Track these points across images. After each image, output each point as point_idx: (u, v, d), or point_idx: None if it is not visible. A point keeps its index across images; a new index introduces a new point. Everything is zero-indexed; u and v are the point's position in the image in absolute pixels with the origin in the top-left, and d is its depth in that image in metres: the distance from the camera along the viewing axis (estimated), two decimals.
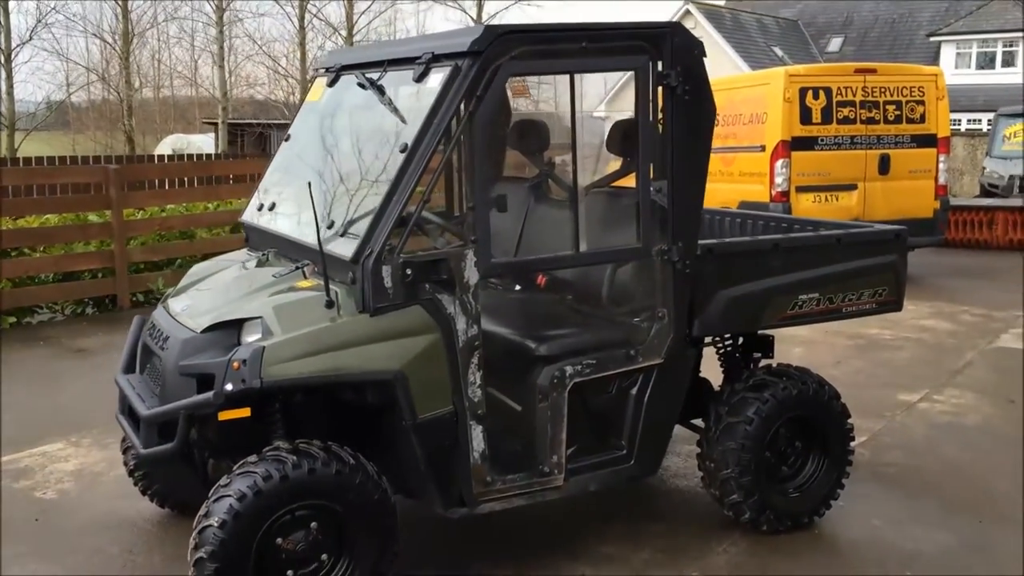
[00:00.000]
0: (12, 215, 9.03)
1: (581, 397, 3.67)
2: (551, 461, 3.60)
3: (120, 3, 25.57)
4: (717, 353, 4.52)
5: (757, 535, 4.08)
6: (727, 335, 4.41)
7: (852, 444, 4.27)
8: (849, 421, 4.24)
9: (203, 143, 28.29)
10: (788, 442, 4.14)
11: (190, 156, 17.65)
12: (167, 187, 11.85)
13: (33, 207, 9.59)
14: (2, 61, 22.70)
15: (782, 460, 4.15)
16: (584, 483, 3.73)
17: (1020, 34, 29.21)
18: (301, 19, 27.24)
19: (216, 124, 28.59)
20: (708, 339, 4.29)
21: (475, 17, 28.07)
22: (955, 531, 4.21)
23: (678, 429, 4.49)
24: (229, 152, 23.51)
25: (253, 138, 29.19)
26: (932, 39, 31.02)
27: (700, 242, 3.79)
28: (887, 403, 6.03)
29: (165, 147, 26.72)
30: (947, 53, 30.52)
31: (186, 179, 11.47)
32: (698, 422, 4.34)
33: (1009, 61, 29.85)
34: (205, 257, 9.36)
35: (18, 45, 23.29)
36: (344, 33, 27.46)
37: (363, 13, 29.04)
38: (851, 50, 32.96)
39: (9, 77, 21.48)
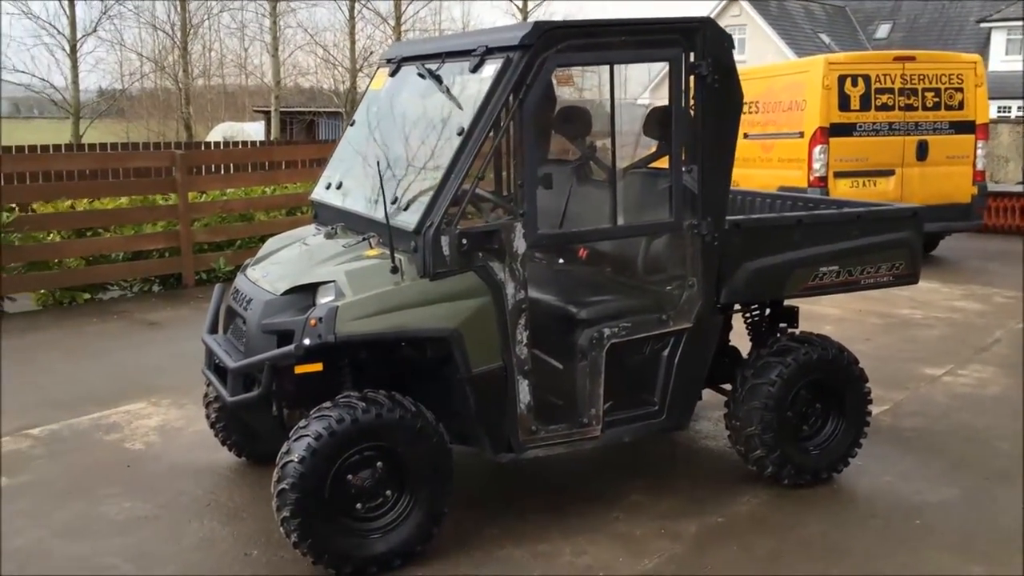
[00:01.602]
0: (88, 197, 9.66)
1: (617, 357, 4.06)
2: (590, 413, 4.00)
3: None
4: (745, 323, 4.89)
5: (778, 488, 4.44)
6: (754, 306, 4.77)
7: (870, 407, 4.60)
8: (867, 385, 4.56)
9: (253, 131, 28.91)
10: (809, 403, 4.48)
11: (244, 143, 18.25)
12: (226, 172, 12.43)
13: (106, 189, 10.18)
14: (68, 51, 23.67)
15: (803, 420, 4.49)
16: (619, 434, 4.13)
17: None
18: (351, 9, 27.83)
19: (267, 112, 29.29)
20: (738, 308, 4.66)
21: (520, 7, 28.38)
22: (961, 487, 4.53)
23: (709, 395, 4.87)
24: (282, 139, 24.15)
25: (303, 126, 29.89)
26: (982, 25, 30.64)
27: (728, 218, 4.16)
28: (912, 376, 6.33)
29: (216, 134, 27.36)
30: (997, 39, 30.10)
31: (247, 165, 11.98)
32: (727, 386, 4.71)
33: None
34: (263, 238, 9.87)
35: (83, 36, 24.19)
36: (392, 23, 27.99)
37: (411, 3, 29.56)
38: (899, 37, 32.67)
39: (74, 67, 22.35)
